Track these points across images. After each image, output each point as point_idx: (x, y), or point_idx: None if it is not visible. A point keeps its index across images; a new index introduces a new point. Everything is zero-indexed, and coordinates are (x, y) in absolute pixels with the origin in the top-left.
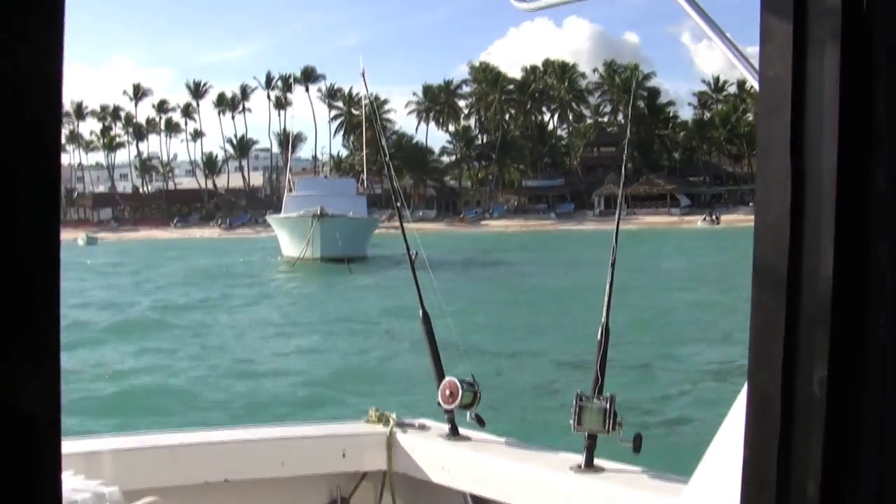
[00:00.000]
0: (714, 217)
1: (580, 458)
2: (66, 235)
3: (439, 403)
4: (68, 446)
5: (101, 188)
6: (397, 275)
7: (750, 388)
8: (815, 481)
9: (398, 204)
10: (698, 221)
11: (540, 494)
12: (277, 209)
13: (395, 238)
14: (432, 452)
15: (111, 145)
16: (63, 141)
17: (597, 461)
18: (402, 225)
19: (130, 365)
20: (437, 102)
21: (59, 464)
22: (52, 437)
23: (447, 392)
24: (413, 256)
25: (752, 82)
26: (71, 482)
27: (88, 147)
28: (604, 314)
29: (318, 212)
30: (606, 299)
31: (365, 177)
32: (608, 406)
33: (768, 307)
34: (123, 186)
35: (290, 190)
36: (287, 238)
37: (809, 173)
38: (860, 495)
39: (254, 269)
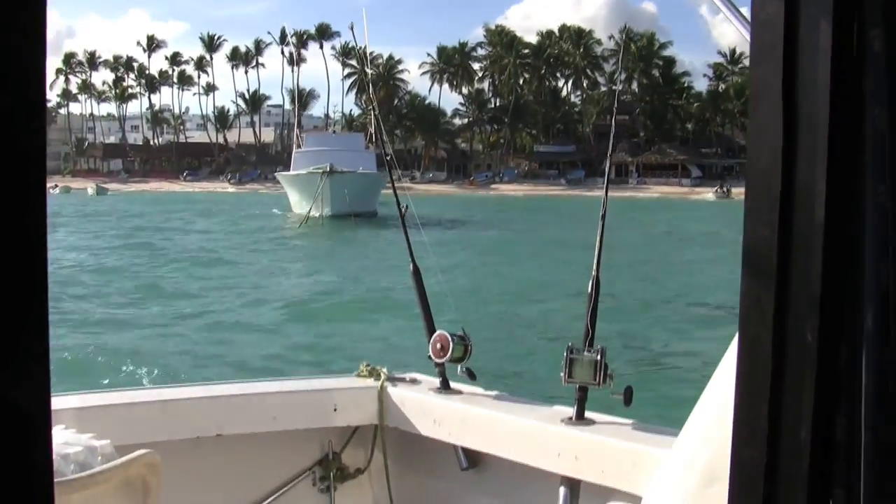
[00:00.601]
0: (725, 189)
1: (571, 411)
2: (75, 185)
3: (430, 357)
4: (59, 402)
5: (112, 139)
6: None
7: (741, 336)
8: (807, 429)
9: (387, 158)
10: (709, 193)
11: (531, 447)
12: (288, 166)
13: (404, 197)
14: (423, 406)
15: (123, 96)
16: (75, 90)
17: (587, 413)
18: (392, 180)
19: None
20: (451, 64)
21: (50, 458)
22: (43, 432)
23: (438, 346)
24: (403, 210)
25: (744, 34)
26: (62, 436)
27: (100, 97)
28: (594, 268)
29: (328, 168)
30: (597, 253)
31: (374, 131)
32: (599, 358)
33: (760, 254)
34: (134, 138)
35: (299, 146)
36: (297, 195)
37: (802, 117)
38: (852, 443)
39: (262, 225)
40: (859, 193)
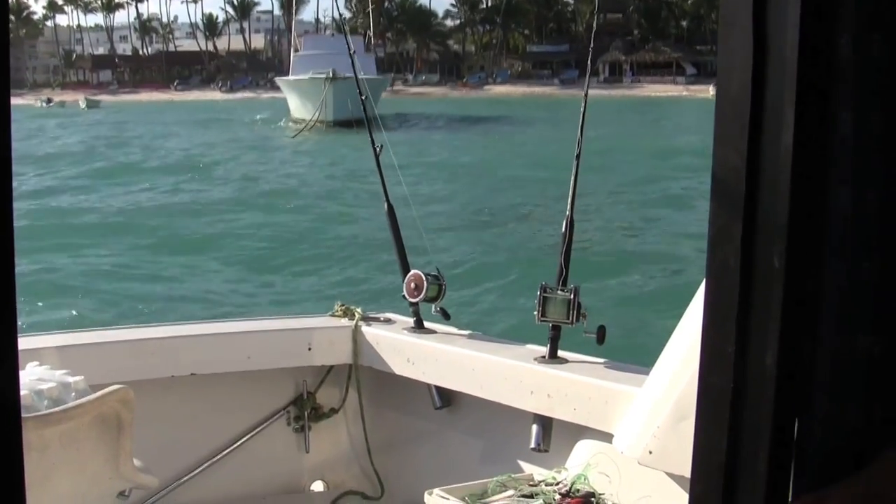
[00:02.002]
0: None
1: (544, 350)
2: (66, 97)
3: (404, 296)
4: (33, 342)
5: (101, 50)
6: (406, 134)
7: (710, 262)
8: (773, 352)
9: (363, 98)
10: (710, 89)
11: (504, 385)
12: (279, 72)
13: (400, 101)
14: (397, 345)
15: (110, 6)
16: (61, 2)
17: (560, 352)
18: (367, 120)
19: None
20: None
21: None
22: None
23: (412, 285)
24: (378, 150)
25: None
26: (36, 372)
27: (87, 8)
28: (568, 206)
29: (331, 74)
30: (571, 191)
31: (373, 34)
32: (572, 297)
33: (729, 181)
34: (123, 48)
35: (297, 50)
36: (297, 101)
37: (772, 45)
38: (817, 365)
39: (261, 131)
40: (827, 120)
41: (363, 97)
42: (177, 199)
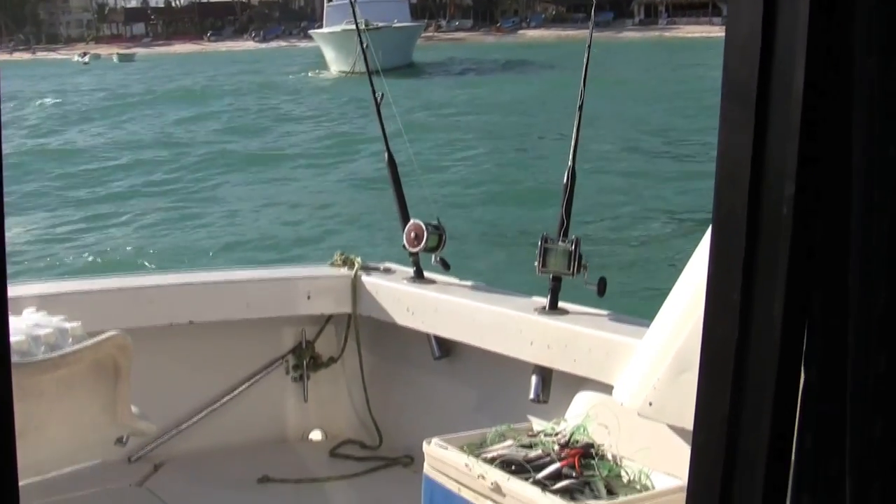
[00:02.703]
0: None
1: (544, 301)
2: (100, 51)
3: (404, 246)
4: (31, 288)
5: (133, 3)
6: (439, 80)
7: (716, 208)
8: (780, 301)
9: (365, 46)
10: None
11: (503, 335)
12: (312, 20)
13: (434, 47)
14: (397, 295)
15: None
16: None
17: (561, 304)
18: (368, 69)
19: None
20: None
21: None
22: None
23: (412, 235)
24: (378, 99)
25: None
26: (33, 318)
27: None
28: (570, 157)
29: (365, 25)
30: (573, 143)
31: None
32: (573, 249)
33: (737, 124)
34: (155, 1)
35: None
36: (333, 53)
37: None
38: (826, 314)
39: (296, 83)
40: (846, 63)
41: (365, 45)
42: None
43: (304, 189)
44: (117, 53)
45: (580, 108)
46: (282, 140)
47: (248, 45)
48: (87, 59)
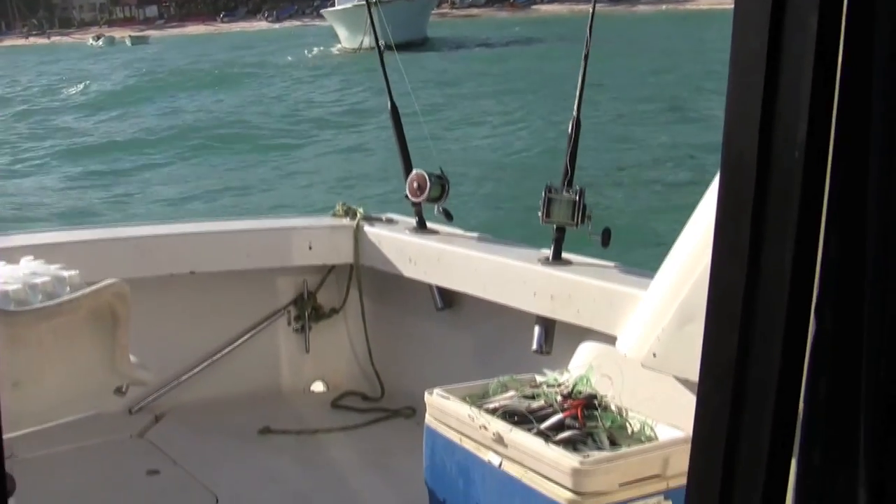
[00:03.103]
0: None
1: (548, 252)
2: (114, 33)
3: (407, 196)
4: (28, 239)
5: None
6: (454, 56)
7: (725, 149)
8: (791, 246)
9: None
10: None
11: (506, 286)
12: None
13: (445, 24)
14: (399, 245)
15: None
16: None
17: (565, 255)
18: (369, 13)
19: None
20: None
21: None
22: None
23: (415, 185)
24: (381, 46)
25: None
26: (30, 266)
27: None
28: (575, 107)
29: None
30: (578, 91)
31: None
32: (577, 199)
33: (748, 64)
34: None
35: None
36: (345, 31)
37: None
38: (841, 258)
39: (309, 60)
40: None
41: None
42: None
43: (318, 156)
44: (130, 36)
45: (585, 57)
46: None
47: (261, 25)
48: (101, 42)
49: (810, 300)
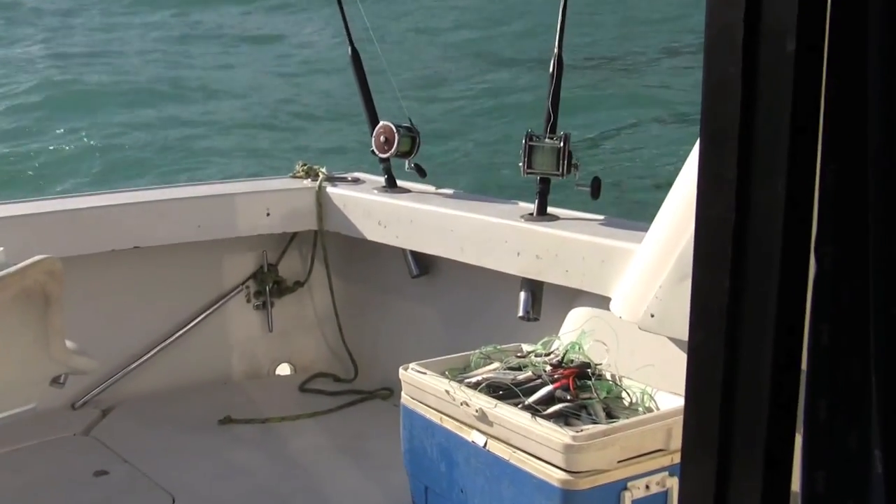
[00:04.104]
0: None
1: (531, 206)
2: None
3: (373, 152)
4: None
5: None
6: None
7: (706, 72)
8: (783, 178)
9: None
10: None
11: (487, 247)
12: None
13: None
14: (367, 207)
15: None
16: None
17: (550, 209)
18: None
19: None
20: None
21: None
22: None
23: (381, 138)
24: None
25: None
26: None
27: None
28: (556, 44)
29: None
30: (559, 28)
31: None
32: (562, 146)
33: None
34: None
35: None
36: None
37: None
38: (841, 189)
39: None
40: None
41: None
42: None
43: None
44: None
45: None
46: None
47: None
48: None
49: (808, 237)
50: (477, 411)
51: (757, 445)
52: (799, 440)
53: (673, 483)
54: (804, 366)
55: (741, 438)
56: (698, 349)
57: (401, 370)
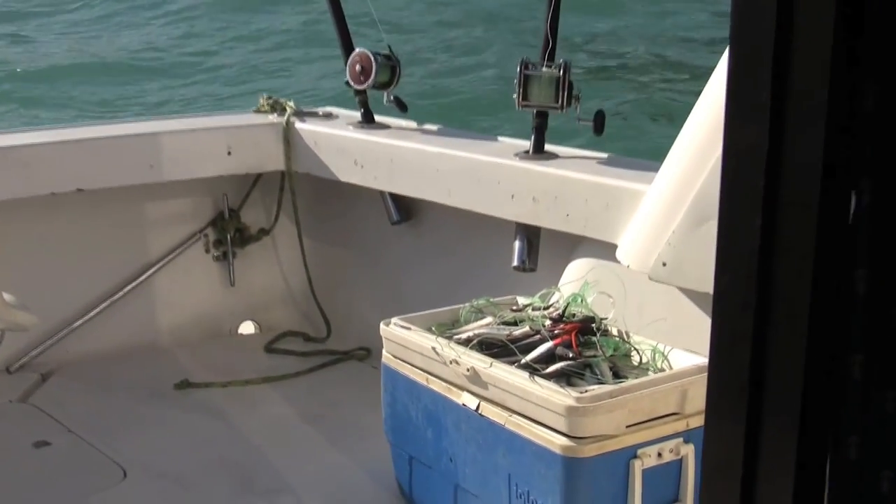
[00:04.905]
0: None
1: (527, 143)
2: None
3: (348, 83)
4: None
5: None
6: None
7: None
8: (823, 95)
9: None
10: None
11: (477, 189)
12: None
13: None
14: (341, 145)
15: None
16: None
17: (548, 146)
18: None
19: None
20: None
21: None
22: None
23: (357, 67)
24: None
25: None
26: None
27: None
28: None
29: None
30: None
31: None
32: (561, 74)
33: None
34: None
35: None
36: None
37: None
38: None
39: None
40: None
41: None
42: None
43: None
44: None
45: None
46: None
47: None
48: None
49: (849, 166)
50: (468, 370)
51: (792, 403)
52: None
53: (688, 451)
54: None
55: (774, 396)
56: (724, 295)
57: (382, 325)
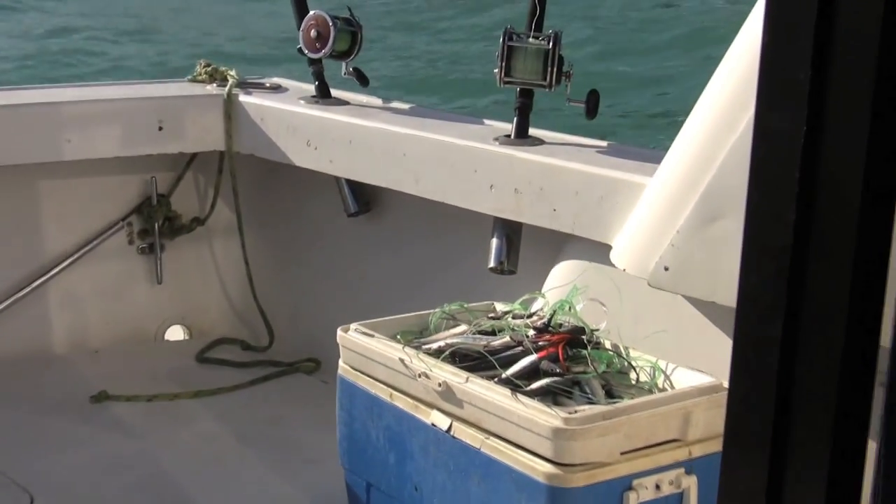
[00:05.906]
0: None
1: (508, 126)
2: None
3: (301, 50)
4: None
5: None
6: None
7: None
8: (870, 75)
9: None
10: None
11: (450, 177)
12: None
13: None
14: (292, 122)
15: None
16: None
17: (533, 130)
18: None
19: None
20: None
21: None
22: None
23: (312, 33)
24: None
25: None
26: None
27: None
28: None
29: None
30: None
31: None
32: (550, 47)
33: None
34: None
35: None
36: None
37: None
38: None
39: None
40: None
41: None
42: None
43: None
44: None
45: None
46: None
47: None
48: None
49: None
50: (440, 385)
51: (824, 428)
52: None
53: (691, 483)
54: None
55: (805, 419)
56: (751, 297)
57: (339, 332)
